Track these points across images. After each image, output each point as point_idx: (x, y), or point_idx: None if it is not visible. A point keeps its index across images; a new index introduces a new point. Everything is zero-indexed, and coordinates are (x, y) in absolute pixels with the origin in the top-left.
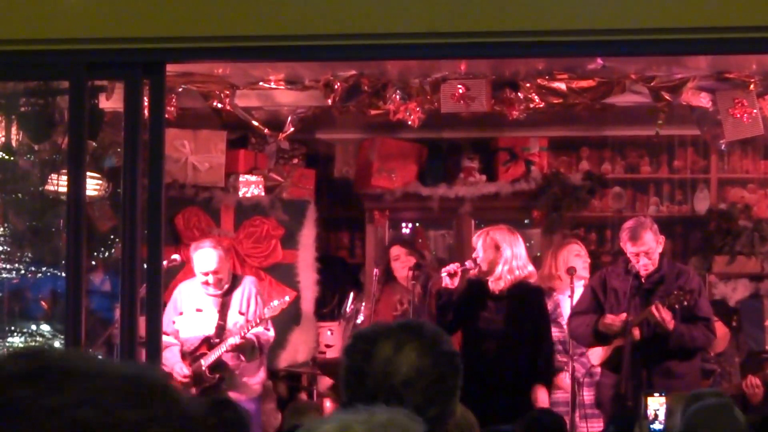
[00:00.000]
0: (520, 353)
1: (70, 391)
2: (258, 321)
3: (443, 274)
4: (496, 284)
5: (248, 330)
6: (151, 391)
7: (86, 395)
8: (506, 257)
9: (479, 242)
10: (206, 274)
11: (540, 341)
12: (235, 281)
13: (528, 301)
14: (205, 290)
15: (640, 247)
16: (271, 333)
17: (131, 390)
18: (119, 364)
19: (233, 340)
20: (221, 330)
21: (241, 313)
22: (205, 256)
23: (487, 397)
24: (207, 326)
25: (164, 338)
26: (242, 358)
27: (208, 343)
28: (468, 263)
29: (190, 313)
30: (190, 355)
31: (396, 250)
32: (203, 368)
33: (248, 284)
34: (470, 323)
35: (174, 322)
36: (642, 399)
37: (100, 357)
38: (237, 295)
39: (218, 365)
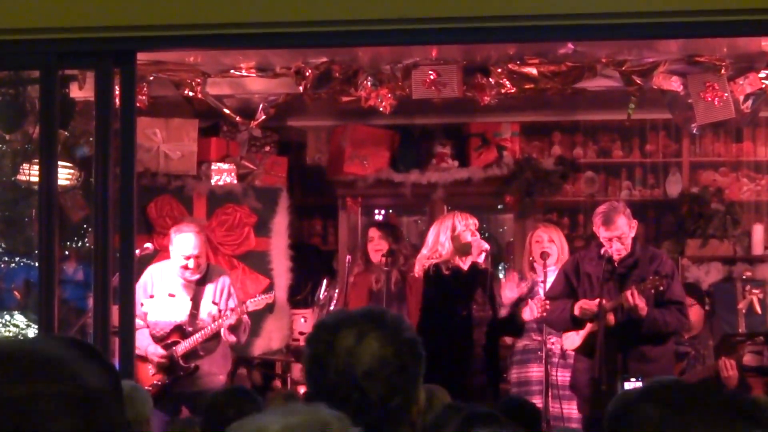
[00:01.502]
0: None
1: None
2: (242, 310)
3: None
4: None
5: (245, 310)
6: (40, 366)
7: None
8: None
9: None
10: (187, 258)
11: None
12: (208, 272)
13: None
14: (182, 274)
15: (613, 232)
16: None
17: (18, 366)
18: (11, 341)
19: (229, 320)
20: (193, 319)
21: (215, 303)
22: (187, 240)
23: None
24: (179, 313)
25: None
26: (233, 338)
27: (180, 331)
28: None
29: (162, 297)
30: (161, 341)
31: (372, 232)
32: (177, 356)
33: (222, 278)
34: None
35: (142, 305)
36: (619, 384)
37: None
38: (210, 287)
39: (191, 354)
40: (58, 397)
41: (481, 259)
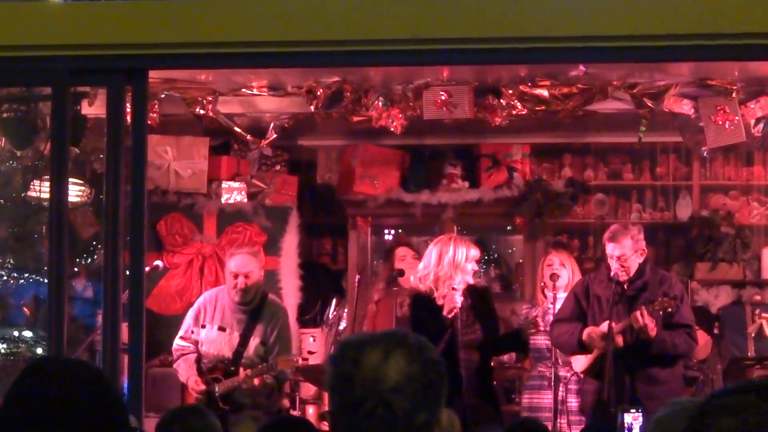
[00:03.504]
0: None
1: None
2: (267, 366)
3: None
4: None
5: (270, 369)
6: None
7: None
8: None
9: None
10: (237, 275)
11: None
12: (264, 308)
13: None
14: (234, 303)
15: (614, 250)
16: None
17: None
18: None
19: (249, 381)
20: (238, 356)
21: (263, 344)
22: (241, 260)
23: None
24: (226, 347)
25: (181, 343)
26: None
27: (223, 367)
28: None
29: (213, 328)
30: (209, 373)
31: (402, 251)
32: (216, 394)
33: (279, 313)
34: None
35: (193, 332)
36: (618, 414)
37: None
38: (263, 323)
39: (230, 396)
40: None
41: (450, 315)
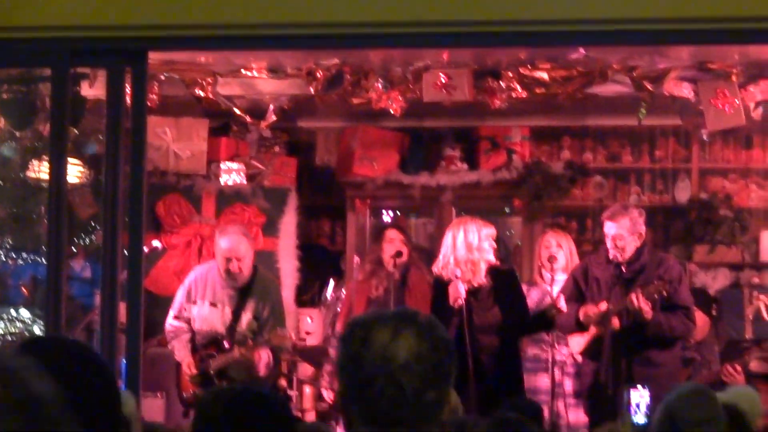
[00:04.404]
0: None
1: None
2: (267, 339)
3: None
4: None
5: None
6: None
7: None
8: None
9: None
10: (230, 259)
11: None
12: (254, 282)
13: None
14: (224, 277)
15: (611, 229)
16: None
17: None
18: None
19: (242, 351)
20: (232, 332)
21: (256, 319)
22: (233, 242)
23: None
24: (219, 323)
25: (174, 324)
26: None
27: (216, 343)
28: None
29: (204, 305)
30: (203, 349)
31: (392, 233)
32: (211, 372)
33: (270, 288)
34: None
35: (185, 309)
36: (624, 392)
37: None
38: (255, 298)
39: (226, 372)
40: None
41: (456, 305)
